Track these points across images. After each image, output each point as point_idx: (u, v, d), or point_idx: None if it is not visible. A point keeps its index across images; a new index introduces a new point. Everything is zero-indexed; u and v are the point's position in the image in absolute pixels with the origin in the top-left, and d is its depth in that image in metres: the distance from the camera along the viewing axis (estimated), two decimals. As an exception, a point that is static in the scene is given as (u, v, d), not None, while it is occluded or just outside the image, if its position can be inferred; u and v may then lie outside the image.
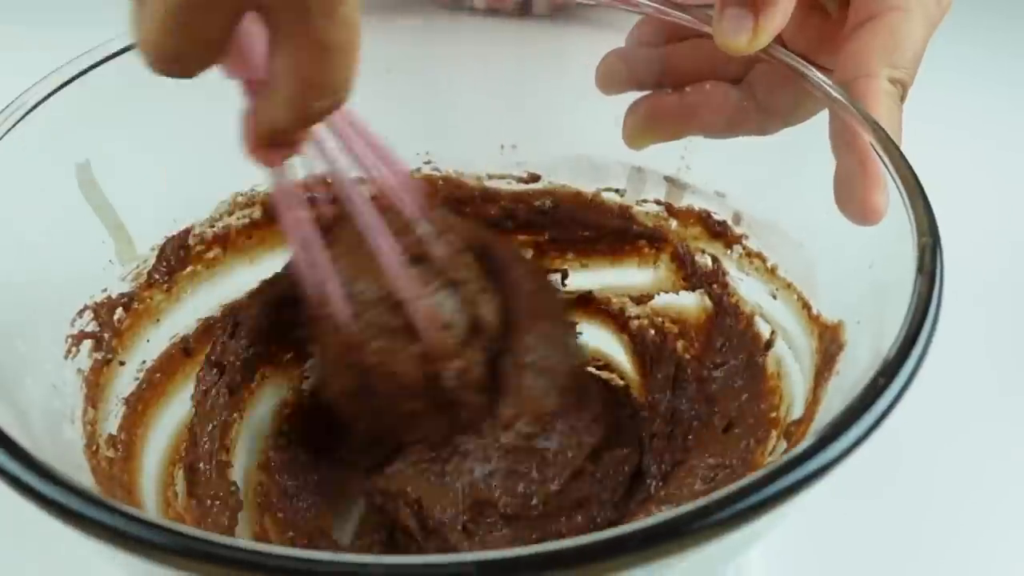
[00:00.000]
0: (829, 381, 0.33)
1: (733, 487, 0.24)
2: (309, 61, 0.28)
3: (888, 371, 0.26)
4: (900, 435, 0.44)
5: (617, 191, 0.44)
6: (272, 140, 0.31)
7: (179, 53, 0.27)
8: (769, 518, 0.24)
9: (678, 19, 0.39)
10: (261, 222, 0.44)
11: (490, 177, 0.46)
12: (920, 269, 0.29)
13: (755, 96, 0.39)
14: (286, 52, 0.28)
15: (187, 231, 0.42)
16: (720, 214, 0.42)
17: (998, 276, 0.53)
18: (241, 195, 0.43)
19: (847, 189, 0.33)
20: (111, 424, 0.36)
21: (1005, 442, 0.45)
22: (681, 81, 0.40)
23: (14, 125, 0.35)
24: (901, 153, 0.33)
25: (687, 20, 0.39)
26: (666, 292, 0.43)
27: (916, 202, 0.31)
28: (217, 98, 0.40)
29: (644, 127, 0.41)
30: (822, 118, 0.36)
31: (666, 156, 0.42)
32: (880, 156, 0.33)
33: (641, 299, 0.45)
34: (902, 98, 0.36)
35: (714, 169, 0.41)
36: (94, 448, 0.34)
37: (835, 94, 0.35)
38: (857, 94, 0.35)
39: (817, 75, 0.36)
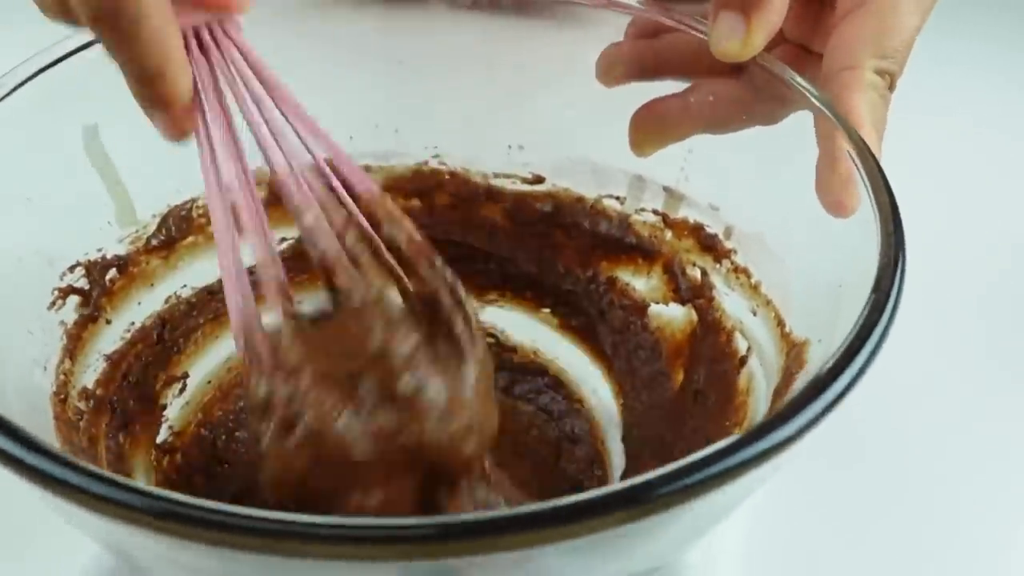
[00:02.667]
0: (784, 398, 0.32)
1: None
2: None
3: (816, 387, 0.26)
4: (896, 434, 0.43)
5: (618, 198, 0.44)
6: None
7: None
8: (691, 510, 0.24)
9: (677, 26, 0.39)
10: (265, 202, 0.44)
11: (496, 176, 0.46)
12: (875, 290, 0.29)
13: (756, 86, 0.38)
14: None
15: (191, 202, 0.43)
16: (713, 227, 0.41)
17: (998, 276, 0.50)
18: (247, 173, 0.44)
19: (823, 181, 0.33)
20: (88, 378, 0.38)
21: (1005, 443, 0.44)
22: (680, 70, 0.39)
23: (31, 77, 0.36)
24: (880, 168, 0.32)
25: (686, 28, 0.39)
26: (657, 303, 0.43)
27: (886, 222, 0.30)
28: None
29: (648, 131, 0.41)
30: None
31: (666, 166, 0.42)
32: (858, 170, 0.32)
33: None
34: (890, 87, 0.35)
35: (711, 181, 0.41)
36: (62, 396, 0.35)
37: (817, 102, 0.34)
38: (841, 86, 0.34)
39: (800, 80, 0.35)
